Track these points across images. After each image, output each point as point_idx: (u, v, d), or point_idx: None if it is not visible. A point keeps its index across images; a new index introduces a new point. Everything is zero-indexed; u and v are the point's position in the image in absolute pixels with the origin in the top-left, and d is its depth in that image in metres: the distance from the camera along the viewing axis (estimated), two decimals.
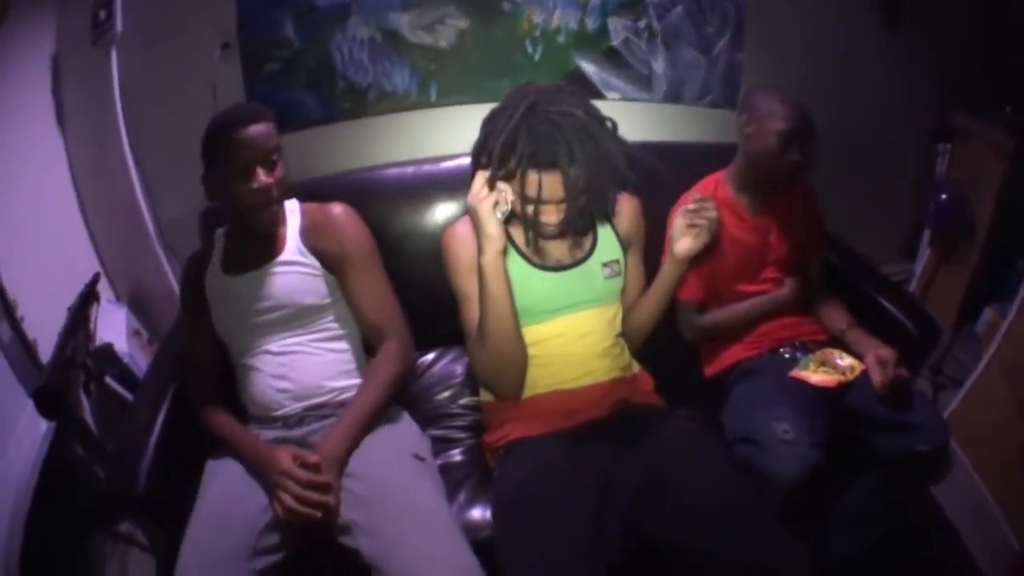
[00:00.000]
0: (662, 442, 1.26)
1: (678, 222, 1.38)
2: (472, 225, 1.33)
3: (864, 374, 1.43)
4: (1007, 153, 1.88)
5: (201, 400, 1.35)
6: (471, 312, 1.33)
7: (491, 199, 1.25)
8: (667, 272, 1.40)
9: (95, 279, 1.84)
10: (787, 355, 1.55)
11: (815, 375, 1.44)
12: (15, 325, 1.54)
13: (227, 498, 1.20)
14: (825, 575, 1.41)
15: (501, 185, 1.27)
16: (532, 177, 1.24)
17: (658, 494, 1.19)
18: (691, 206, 1.37)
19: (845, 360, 1.46)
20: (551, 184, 1.24)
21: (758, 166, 1.53)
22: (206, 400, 1.34)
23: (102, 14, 1.77)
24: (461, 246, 1.35)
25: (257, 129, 1.24)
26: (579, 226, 1.36)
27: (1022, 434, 1.60)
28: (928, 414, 1.39)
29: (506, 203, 1.27)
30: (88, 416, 1.66)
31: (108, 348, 1.76)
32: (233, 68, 1.88)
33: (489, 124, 1.30)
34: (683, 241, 1.37)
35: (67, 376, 1.60)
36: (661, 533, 1.17)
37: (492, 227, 1.25)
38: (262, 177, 1.25)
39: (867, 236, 2.05)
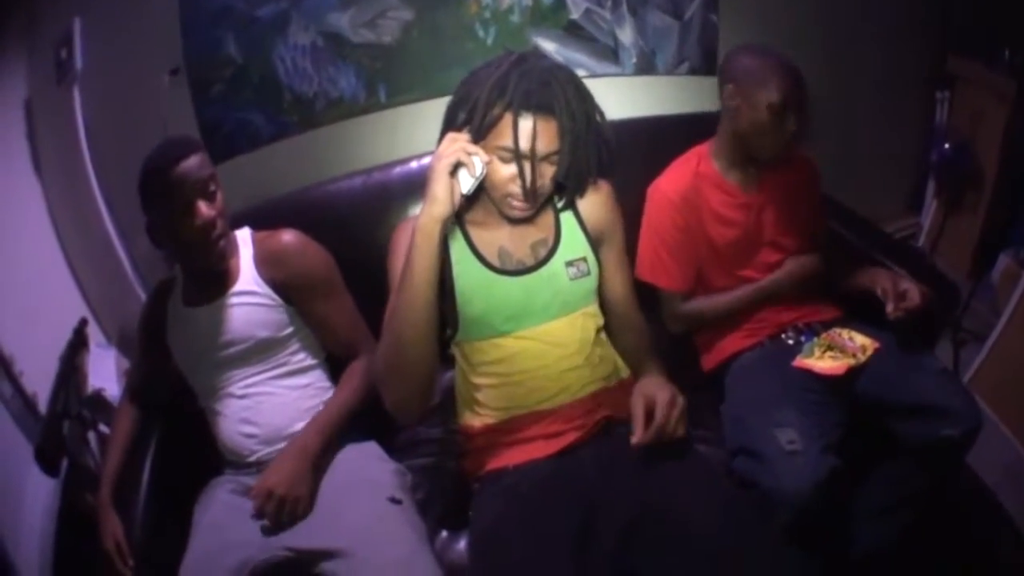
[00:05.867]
0: (650, 466, 1.13)
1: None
2: None
3: (877, 352, 1.29)
4: (1009, 96, 1.79)
5: (127, 396, 1.47)
6: None
7: (452, 158, 1.06)
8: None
9: (82, 324, 1.85)
10: (790, 341, 1.43)
11: (821, 362, 1.32)
12: (14, 381, 1.52)
13: (204, 560, 1.18)
14: (853, 569, 1.32)
15: (473, 149, 1.08)
16: (525, 124, 1.08)
17: (647, 528, 1.07)
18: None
19: (856, 340, 1.32)
20: (546, 131, 1.09)
21: (748, 141, 1.39)
22: (130, 398, 1.46)
23: (63, 52, 1.76)
24: (404, 234, 1.21)
25: (189, 163, 1.21)
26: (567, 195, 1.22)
27: None
28: (955, 395, 1.26)
29: (475, 171, 1.07)
30: (93, 464, 1.70)
31: (98, 395, 1.73)
32: (183, 94, 1.82)
33: (469, 80, 1.15)
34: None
35: (61, 430, 1.61)
36: (652, 572, 1.06)
37: (440, 188, 1.06)
38: (204, 211, 1.22)
39: (868, 193, 1.94)
